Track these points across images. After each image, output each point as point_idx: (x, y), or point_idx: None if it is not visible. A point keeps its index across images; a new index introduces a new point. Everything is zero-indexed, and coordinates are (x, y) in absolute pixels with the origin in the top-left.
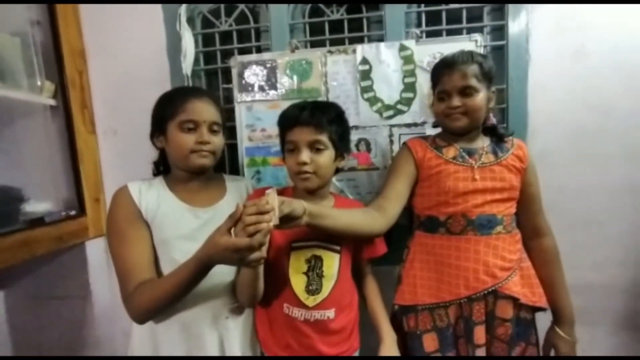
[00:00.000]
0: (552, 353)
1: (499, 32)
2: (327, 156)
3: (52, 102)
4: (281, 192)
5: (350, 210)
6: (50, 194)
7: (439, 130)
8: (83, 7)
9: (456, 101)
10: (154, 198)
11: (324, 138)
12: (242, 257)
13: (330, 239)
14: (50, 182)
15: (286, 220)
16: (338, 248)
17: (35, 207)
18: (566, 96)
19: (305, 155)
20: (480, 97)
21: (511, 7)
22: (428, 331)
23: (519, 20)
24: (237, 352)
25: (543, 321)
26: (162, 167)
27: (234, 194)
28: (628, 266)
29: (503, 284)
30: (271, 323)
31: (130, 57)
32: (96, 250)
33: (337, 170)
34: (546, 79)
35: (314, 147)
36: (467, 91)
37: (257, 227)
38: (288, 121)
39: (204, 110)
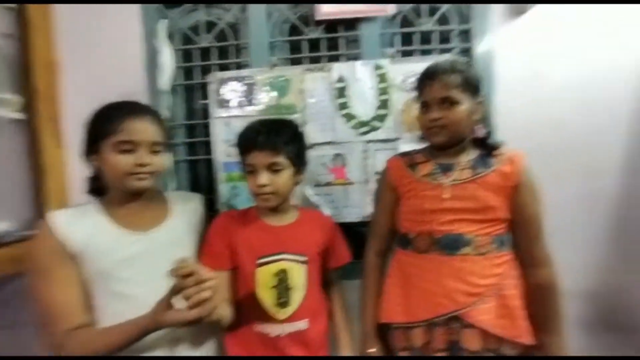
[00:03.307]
0: None
1: (467, 53)
2: (285, 176)
3: (16, 115)
4: (246, 211)
5: (373, 287)
6: (9, 212)
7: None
8: (58, 19)
9: (435, 113)
10: (88, 227)
11: (281, 159)
12: (193, 324)
13: (297, 249)
14: (9, 199)
15: None
16: (305, 259)
17: None
18: (528, 117)
19: (264, 177)
20: (462, 108)
21: (477, 31)
22: (403, 350)
23: (483, 44)
24: None
25: None
26: (97, 185)
27: (180, 216)
28: (587, 273)
29: (466, 311)
30: (243, 343)
31: (106, 70)
32: None
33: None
34: (509, 100)
35: (272, 168)
36: (446, 102)
37: (199, 298)
38: (245, 145)
39: (144, 130)
